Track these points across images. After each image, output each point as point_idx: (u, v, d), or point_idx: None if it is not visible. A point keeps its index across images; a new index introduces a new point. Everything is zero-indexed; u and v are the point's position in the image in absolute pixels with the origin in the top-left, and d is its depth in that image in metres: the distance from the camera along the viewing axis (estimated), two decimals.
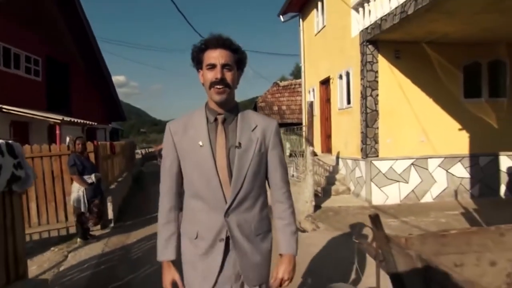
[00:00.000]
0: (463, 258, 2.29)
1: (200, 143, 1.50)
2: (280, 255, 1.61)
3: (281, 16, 12.86)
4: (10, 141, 2.59)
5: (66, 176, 5.95)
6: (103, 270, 4.43)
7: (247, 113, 1.61)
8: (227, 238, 1.52)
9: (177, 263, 1.62)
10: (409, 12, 5.82)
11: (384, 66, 7.50)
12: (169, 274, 1.56)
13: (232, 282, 1.55)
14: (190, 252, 1.57)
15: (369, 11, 7.39)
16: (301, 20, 12.44)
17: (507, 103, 7.92)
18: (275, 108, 18.34)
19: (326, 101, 10.35)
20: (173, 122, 1.60)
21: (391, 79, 7.51)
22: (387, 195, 7.46)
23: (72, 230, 6.02)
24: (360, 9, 7.76)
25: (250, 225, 1.54)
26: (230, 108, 1.55)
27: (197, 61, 1.53)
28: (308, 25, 11.88)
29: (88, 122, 10.23)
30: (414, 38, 7.18)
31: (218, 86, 1.46)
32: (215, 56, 1.47)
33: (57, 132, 8.51)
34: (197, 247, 1.54)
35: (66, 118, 8.87)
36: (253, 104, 19.95)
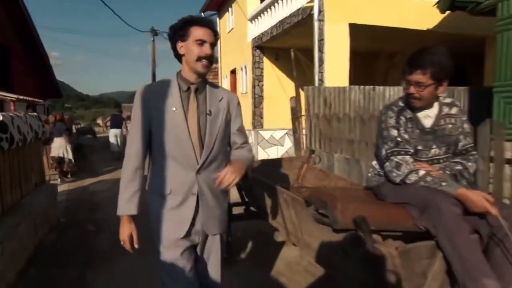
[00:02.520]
0: (274, 175, 3.65)
1: (174, 109, 1.65)
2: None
3: (202, 13, 15.47)
4: (36, 114, 5.20)
5: None
6: (75, 193, 7.13)
7: (213, 85, 1.78)
8: (198, 193, 1.69)
9: (135, 220, 1.72)
10: (274, 34, 9.00)
11: (267, 65, 10.74)
12: (128, 228, 1.67)
13: (200, 234, 1.76)
14: (162, 207, 1.70)
15: (258, 25, 10.49)
16: (218, 18, 15.22)
17: None
18: None
19: (234, 86, 13.43)
20: (144, 88, 1.71)
21: (272, 74, 10.78)
22: (268, 155, 10.85)
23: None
24: (253, 22, 10.82)
25: (216, 182, 1.68)
26: (203, 80, 1.73)
27: (181, 33, 1.64)
28: (223, 23, 14.70)
29: (35, 99, 12.14)
30: (287, 46, 10.42)
31: (206, 61, 1.64)
32: (205, 33, 1.63)
33: (12, 108, 10.45)
34: (171, 201, 1.69)
35: (20, 96, 10.82)
36: None
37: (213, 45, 1.67)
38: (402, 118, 2.00)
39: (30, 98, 11.79)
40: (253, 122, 10.83)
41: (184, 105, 1.67)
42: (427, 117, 2.02)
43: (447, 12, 6.63)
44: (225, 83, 14.64)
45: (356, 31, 7.11)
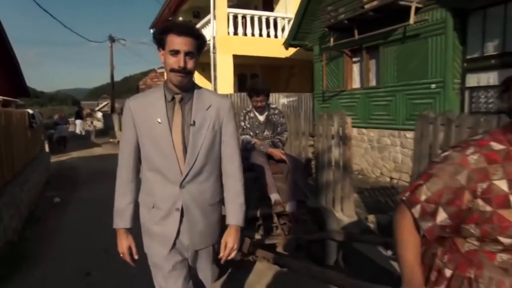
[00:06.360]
0: None
1: (159, 120, 1.60)
2: (227, 225, 1.74)
3: (151, 30, 19.08)
4: (38, 111, 8.91)
5: None
6: (57, 163, 10.83)
7: (202, 92, 1.69)
8: (182, 208, 1.64)
9: (133, 231, 1.73)
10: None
11: (196, 76, 14.72)
12: (126, 241, 1.70)
13: (188, 249, 1.73)
14: (148, 221, 1.70)
15: None
16: None
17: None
18: None
19: None
20: (132, 100, 1.67)
21: (199, 82, 14.76)
22: None
23: None
24: None
25: (204, 195, 1.68)
26: (187, 88, 1.63)
27: (159, 42, 1.58)
28: None
29: (12, 99, 15.40)
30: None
31: (180, 73, 1.54)
32: (179, 42, 1.52)
33: None
34: (154, 216, 1.67)
35: (1, 97, 14.17)
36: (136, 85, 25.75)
37: (191, 54, 1.54)
38: (247, 116, 3.56)
39: (9, 98, 15.02)
40: None
41: (169, 116, 1.62)
42: (262, 115, 3.56)
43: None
44: None
45: (245, 57, 11.30)
